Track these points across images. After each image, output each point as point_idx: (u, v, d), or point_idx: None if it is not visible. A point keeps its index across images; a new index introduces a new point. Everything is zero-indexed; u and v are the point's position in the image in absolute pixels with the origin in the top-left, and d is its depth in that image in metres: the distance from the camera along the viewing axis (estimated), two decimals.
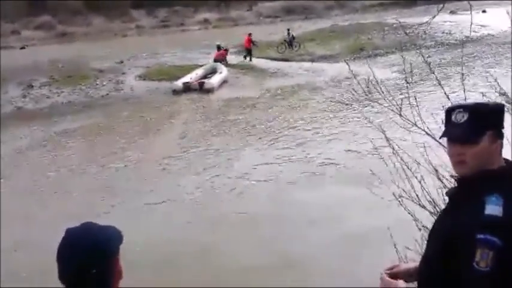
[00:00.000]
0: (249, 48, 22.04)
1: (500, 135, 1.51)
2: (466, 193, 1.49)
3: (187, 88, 16.98)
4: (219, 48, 21.77)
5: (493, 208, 1.38)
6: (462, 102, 1.67)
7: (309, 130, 11.28)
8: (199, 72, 18.92)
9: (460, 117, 1.50)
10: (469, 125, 1.48)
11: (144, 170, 9.36)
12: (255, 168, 9.03)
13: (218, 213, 7.26)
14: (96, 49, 26.92)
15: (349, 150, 9.37)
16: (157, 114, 14.23)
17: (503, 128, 1.52)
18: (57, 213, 7.30)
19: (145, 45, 28.61)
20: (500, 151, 1.50)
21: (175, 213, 7.42)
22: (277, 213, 7.11)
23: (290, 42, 23.45)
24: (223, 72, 18.67)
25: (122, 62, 22.60)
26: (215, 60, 20.74)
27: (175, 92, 17.00)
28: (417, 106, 3.11)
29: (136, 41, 33.16)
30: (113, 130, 12.91)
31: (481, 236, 1.35)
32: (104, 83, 18.83)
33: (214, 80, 17.46)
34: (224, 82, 18.06)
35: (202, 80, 17.42)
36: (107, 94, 17.68)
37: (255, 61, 21.75)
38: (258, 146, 10.47)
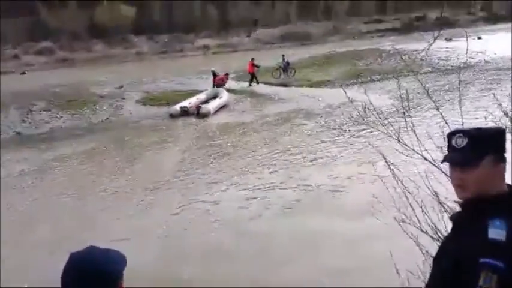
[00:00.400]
0: (252, 73, 22.33)
1: (501, 159, 1.51)
2: (470, 217, 1.50)
3: (184, 112, 17.17)
4: (214, 74, 21.85)
5: (497, 232, 1.39)
6: (462, 127, 1.70)
7: (297, 154, 11.24)
8: (200, 97, 19.14)
9: (460, 142, 1.53)
10: (469, 150, 1.50)
11: (120, 202, 9.10)
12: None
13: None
14: (96, 74, 27.13)
15: (350, 176, 9.31)
16: (150, 139, 14.23)
17: (504, 152, 1.52)
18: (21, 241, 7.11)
19: (146, 70, 28.88)
20: (503, 175, 1.51)
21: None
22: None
23: (285, 68, 23.67)
24: (223, 97, 18.83)
25: (121, 87, 22.75)
26: (216, 86, 20.90)
27: (172, 116, 17.16)
28: (414, 132, 3.14)
29: (136, 66, 33.47)
30: (103, 156, 12.84)
31: (485, 260, 1.35)
32: (104, 108, 18.94)
33: (211, 105, 17.61)
34: (224, 107, 18.20)
35: (199, 105, 17.57)
36: (107, 119, 17.75)
37: (254, 86, 21.96)
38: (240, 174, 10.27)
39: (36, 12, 44.90)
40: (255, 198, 8.62)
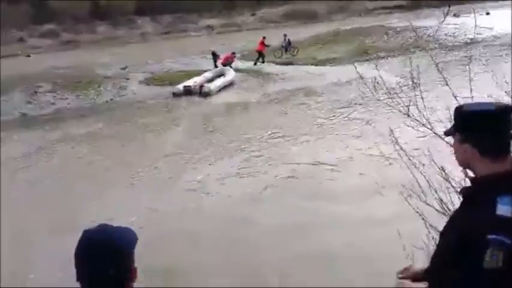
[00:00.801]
0: (261, 52, 22.12)
1: (465, 140, 1.50)
2: (479, 193, 1.49)
3: (187, 91, 17.19)
4: (214, 55, 21.66)
5: (505, 209, 1.38)
6: (465, 102, 1.70)
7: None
8: (207, 75, 19.09)
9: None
10: (453, 124, 1.59)
11: (111, 184, 9.12)
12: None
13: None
14: (100, 56, 27.10)
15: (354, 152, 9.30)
16: (151, 119, 14.25)
17: (472, 134, 1.49)
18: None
19: (149, 51, 28.79)
20: (474, 156, 1.48)
21: None
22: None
23: (286, 47, 23.42)
24: (227, 76, 18.76)
25: (125, 68, 22.71)
26: (223, 65, 20.75)
27: (176, 95, 17.19)
28: (424, 106, 3.10)
29: (140, 47, 33.35)
30: (105, 137, 12.88)
31: (492, 236, 1.34)
32: (108, 89, 18.95)
33: (214, 84, 17.58)
34: (230, 85, 18.11)
35: (202, 84, 17.54)
36: (111, 99, 17.77)
37: (260, 66, 21.83)
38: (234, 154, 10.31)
39: None
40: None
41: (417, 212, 3.13)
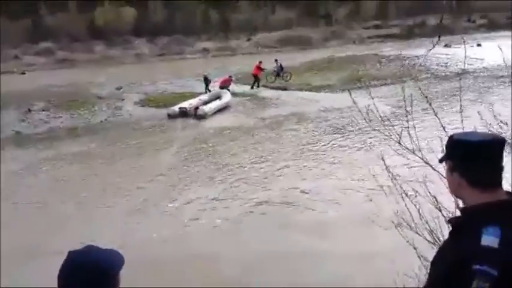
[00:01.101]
0: (256, 76, 22.33)
1: (455, 169, 1.52)
2: (466, 223, 1.51)
3: (183, 113, 17.22)
4: (206, 79, 21.61)
5: (490, 239, 1.39)
6: (458, 132, 1.70)
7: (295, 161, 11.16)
8: (203, 97, 19.20)
9: None
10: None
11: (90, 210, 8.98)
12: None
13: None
14: (96, 75, 27.17)
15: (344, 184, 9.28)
16: (144, 141, 14.18)
17: (461, 163, 1.51)
18: None
19: (145, 72, 28.92)
20: (461, 185, 1.50)
21: None
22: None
23: (278, 72, 23.54)
24: (223, 99, 18.86)
25: (120, 88, 22.78)
26: (220, 87, 20.83)
27: (170, 117, 17.20)
28: (416, 136, 3.15)
29: (136, 68, 33.51)
30: (95, 157, 12.77)
31: (477, 267, 1.35)
32: (103, 109, 18.95)
33: (209, 107, 17.64)
34: (225, 108, 18.22)
35: (197, 106, 17.61)
36: (105, 119, 17.76)
37: (255, 90, 21.98)
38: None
39: (36, 14, 44.94)
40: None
41: (407, 242, 3.15)
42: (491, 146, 1.50)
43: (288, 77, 23.34)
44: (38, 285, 5.17)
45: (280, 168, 10.51)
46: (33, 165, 12.15)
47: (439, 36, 25.33)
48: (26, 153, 13.43)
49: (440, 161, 1.62)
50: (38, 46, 41.29)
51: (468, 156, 1.49)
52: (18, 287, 5.84)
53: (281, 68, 23.73)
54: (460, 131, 2.93)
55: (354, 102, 3.39)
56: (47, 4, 45.03)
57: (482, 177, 1.49)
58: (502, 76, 19.47)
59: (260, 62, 22.87)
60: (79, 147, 13.87)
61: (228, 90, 20.47)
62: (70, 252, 1.46)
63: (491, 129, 3.32)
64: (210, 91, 20.89)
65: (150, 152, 12.87)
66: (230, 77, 22.07)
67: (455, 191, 1.57)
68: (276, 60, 24.04)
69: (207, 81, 21.59)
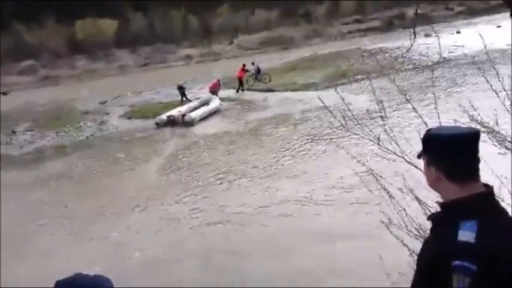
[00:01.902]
0: (241, 79, 22.33)
1: (432, 163, 1.53)
2: (444, 218, 1.52)
3: (171, 121, 17.19)
4: (180, 88, 21.25)
5: (466, 234, 1.40)
6: (437, 127, 1.72)
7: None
8: (192, 104, 19.16)
9: None
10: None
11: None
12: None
13: None
14: (80, 91, 27.02)
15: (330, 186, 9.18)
16: (130, 153, 14.04)
17: (437, 157, 1.52)
18: None
19: (129, 83, 28.82)
20: (439, 179, 1.52)
21: None
22: None
23: (256, 75, 23.35)
24: (211, 104, 18.85)
25: (105, 102, 22.67)
26: (211, 92, 20.67)
27: (159, 125, 17.16)
28: (393, 135, 3.16)
29: (120, 80, 33.39)
30: (75, 176, 12.56)
31: (456, 263, 1.36)
32: (88, 125, 18.83)
33: (196, 113, 17.62)
34: (215, 113, 18.24)
35: (184, 114, 17.60)
36: (91, 135, 17.64)
37: (240, 93, 22.00)
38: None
39: (15, 33, 44.57)
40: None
41: (398, 239, 3.16)
42: (466, 139, 1.51)
43: (267, 79, 23.28)
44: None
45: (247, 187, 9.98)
46: (15, 187, 11.85)
47: (415, 32, 25.63)
48: (12, 175, 13.22)
49: (419, 156, 1.63)
50: (19, 65, 40.99)
51: (444, 150, 1.50)
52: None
53: (258, 70, 23.57)
54: (439, 122, 2.97)
55: (329, 110, 3.39)
56: (24, 23, 44.63)
57: (459, 170, 1.50)
58: (483, 61, 19.68)
59: (244, 65, 22.91)
60: (59, 167, 13.59)
61: (216, 95, 20.41)
62: (58, 282, 1.43)
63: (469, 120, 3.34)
64: (189, 100, 20.66)
65: (133, 167, 12.61)
66: (218, 80, 21.93)
67: (433, 185, 1.57)
68: (252, 63, 23.91)
69: (182, 90, 21.23)
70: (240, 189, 9.79)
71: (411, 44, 24.19)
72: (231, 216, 8.33)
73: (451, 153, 1.50)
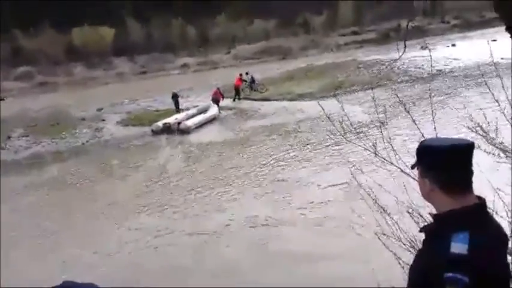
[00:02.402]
0: (237, 89, 22.32)
1: (426, 175, 1.53)
2: (437, 230, 1.52)
3: (167, 129, 17.20)
4: (174, 96, 21.00)
5: (459, 246, 1.40)
6: (432, 138, 1.72)
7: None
8: (190, 112, 19.21)
9: None
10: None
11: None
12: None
13: None
14: (77, 98, 27.01)
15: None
16: (124, 160, 13.94)
17: (431, 169, 1.52)
18: None
19: (126, 91, 28.83)
20: (433, 191, 1.51)
21: None
22: None
23: (250, 84, 23.41)
24: (208, 112, 18.87)
25: (101, 109, 22.65)
26: (213, 101, 20.50)
27: (154, 133, 17.15)
28: (391, 145, 3.18)
29: (117, 87, 33.39)
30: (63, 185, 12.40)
31: (448, 275, 1.36)
32: (84, 131, 18.79)
33: (192, 121, 17.63)
34: (213, 120, 18.29)
35: (180, 121, 17.62)
36: (87, 141, 17.59)
37: (237, 102, 22.04)
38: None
39: (13, 38, 44.58)
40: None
41: (391, 251, 3.16)
42: (460, 151, 1.51)
43: (263, 89, 23.30)
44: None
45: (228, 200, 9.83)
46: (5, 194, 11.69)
47: (405, 45, 25.87)
48: (4, 181, 13.11)
49: (412, 167, 1.63)
50: (16, 71, 40.95)
51: (438, 162, 1.50)
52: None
53: (252, 80, 23.62)
54: (436, 133, 2.98)
55: (343, 110, 3.41)
56: (22, 29, 44.67)
57: (452, 183, 1.50)
58: (478, 74, 19.85)
59: (241, 74, 23.02)
60: (53, 173, 13.50)
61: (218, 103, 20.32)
62: None
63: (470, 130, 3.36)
64: (179, 109, 20.50)
65: (124, 174, 12.54)
66: (218, 89, 21.79)
67: (427, 197, 1.57)
68: (246, 73, 23.99)
69: (176, 98, 21.02)
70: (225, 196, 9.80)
71: (399, 56, 24.42)
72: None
73: (445, 165, 1.50)
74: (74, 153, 16.09)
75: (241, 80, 22.80)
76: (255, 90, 23.19)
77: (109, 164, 14.00)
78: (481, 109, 3.30)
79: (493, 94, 3.31)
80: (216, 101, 20.42)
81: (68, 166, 14.31)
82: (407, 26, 30.36)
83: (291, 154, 12.48)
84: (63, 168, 14.02)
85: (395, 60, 24.36)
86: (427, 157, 1.54)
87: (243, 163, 12.20)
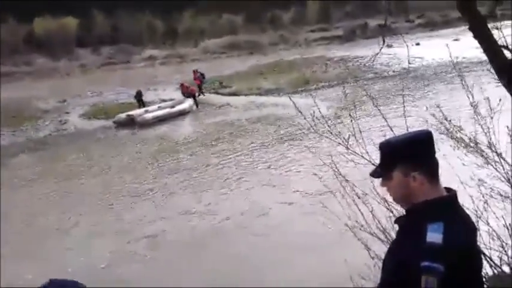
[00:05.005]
0: (199, 84, 22.06)
1: (413, 169, 1.52)
2: (411, 221, 1.54)
3: (130, 121, 16.90)
4: (138, 94, 20.28)
5: (434, 236, 1.43)
6: (386, 138, 1.70)
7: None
8: (163, 105, 19.01)
9: (380, 154, 1.60)
10: (380, 162, 1.59)
11: None
12: None
13: None
14: (38, 89, 26.11)
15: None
16: (80, 156, 13.61)
17: (418, 160, 1.52)
18: None
19: (90, 83, 28.11)
20: (422, 183, 1.51)
21: None
22: None
23: (201, 82, 22.24)
24: (177, 107, 18.60)
25: (65, 101, 22.02)
26: (184, 94, 20.10)
27: (117, 124, 16.90)
28: (362, 139, 3.23)
29: (81, 79, 32.49)
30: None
31: (424, 264, 1.39)
32: (46, 123, 18.21)
33: (151, 115, 17.37)
34: (184, 114, 18.05)
35: (139, 115, 17.37)
36: (49, 134, 17.06)
37: (208, 97, 21.76)
38: None
39: None
40: None
41: (362, 243, 3.22)
42: (432, 139, 1.56)
43: (215, 84, 22.70)
44: None
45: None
46: None
47: (384, 40, 26.27)
48: None
49: (378, 174, 1.59)
50: None
51: (426, 151, 1.53)
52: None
53: (203, 76, 22.50)
54: (406, 127, 3.04)
55: (300, 112, 3.41)
56: None
57: (436, 169, 1.55)
58: (441, 72, 20.47)
59: (195, 70, 22.17)
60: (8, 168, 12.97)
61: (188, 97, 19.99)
62: None
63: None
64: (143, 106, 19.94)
65: (79, 172, 12.17)
66: (182, 83, 21.25)
67: (407, 195, 1.55)
68: (194, 71, 22.63)
69: (140, 97, 20.15)
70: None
71: (376, 54, 24.79)
72: None
73: (430, 152, 1.54)
74: (34, 146, 15.53)
75: (197, 78, 21.81)
76: (201, 92, 21.70)
77: (68, 159, 13.50)
78: (438, 106, 3.38)
79: (466, 86, 3.38)
80: (189, 94, 20.02)
81: (26, 160, 13.82)
82: (385, 22, 30.80)
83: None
84: (16, 164, 13.43)
85: (372, 59, 24.70)
86: (410, 150, 1.53)
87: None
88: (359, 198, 3.24)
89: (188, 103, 19.27)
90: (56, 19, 44.98)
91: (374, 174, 1.61)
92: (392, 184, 1.57)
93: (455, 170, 3.35)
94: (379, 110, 3.42)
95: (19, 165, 13.39)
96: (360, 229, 3.20)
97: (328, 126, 3.43)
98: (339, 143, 3.28)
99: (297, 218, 7.93)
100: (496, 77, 3.42)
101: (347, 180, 3.30)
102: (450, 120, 3.33)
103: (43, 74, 35.82)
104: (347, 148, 3.20)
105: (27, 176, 12.19)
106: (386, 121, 3.34)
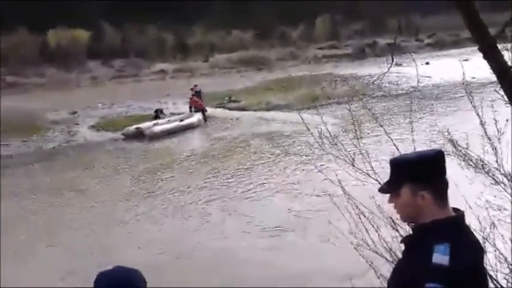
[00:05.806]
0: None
1: (421, 188, 1.52)
2: (417, 241, 1.53)
3: (140, 133, 17.03)
4: (157, 111, 20.64)
5: (440, 257, 1.42)
6: (398, 154, 1.71)
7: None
8: (173, 118, 19.17)
9: (390, 171, 1.60)
10: (390, 178, 1.59)
11: None
12: None
13: None
14: (49, 100, 26.33)
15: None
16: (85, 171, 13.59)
17: (425, 179, 1.51)
18: None
19: (100, 95, 28.32)
20: (430, 203, 1.51)
21: None
22: None
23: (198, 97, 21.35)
24: (186, 120, 18.71)
25: (75, 112, 22.21)
26: (191, 108, 20.21)
27: (126, 136, 17.00)
28: (368, 157, 3.22)
29: (91, 91, 32.80)
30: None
31: (430, 286, 1.38)
32: (56, 134, 18.36)
33: (160, 128, 17.49)
34: (190, 128, 18.12)
35: (149, 128, 17.48)
36: (59, 145, 17.18)
37: (215, 111, 21.81)
38: None
39: None
40: None
41: (367, 262, 3.18)
42: (443, 158, 1.55)
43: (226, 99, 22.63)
44: None
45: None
46: None
47: (393, 58, 26.34)
48: None
49: (387, 190, 1.60)
50: None
51: (436, 170, 1.53)
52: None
53: (198, 94, 21.19)
54: (414, 147, 3.03)
55: (308, 129, 3.42)
56: None
57: (445, 189, 1.54)
58: (449, 91, 20.44)
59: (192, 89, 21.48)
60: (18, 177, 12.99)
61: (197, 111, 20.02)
62: (99, 273, 1.50)
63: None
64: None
65: (83, 187, 12.18)
66: (191, 98, 21.25)
67: (414, 214, 1.55)
68: (191, 89, 21.73)
69: (158, 113, 20.43)
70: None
71: (384, 73, 24.82)
72: None
73: (440, 171, 1.54)
74: (44, 157, 15.59)
75: (195, 94, 20.90)
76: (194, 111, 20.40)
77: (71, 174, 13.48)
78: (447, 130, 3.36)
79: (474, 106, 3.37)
80: (196, 109, 20.10)
81: (36, 171, 13.86)
82: (395, 40, 30.91)
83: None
84: (30, 173, 13.51)
85: (381, 78, 24.75)
86: (420, 168, 1.52)
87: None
88: (365, 217, 3.23)
89: (197, 117, 19.39)
90: (67, 31, 45.61)
91: (382, 190, 1.61)
92: (400, 201, 1.57)
93: (461, 189, 3.32)
94: (384, 129, 3.42)
95: (26, 175, 13.44)
96: (367, 249, 3.17)
97: (335, 144, 3.42)
98: (345, 161, 3.28)
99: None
100: (505, 97, 3.41)
101: (352, 198, 3.27)
102: (457, 141, 3.32)
103: (54, 86, 36.19)
104: (352, 165, 3.20)
105: (29, 187, 12.19)
106: (392, 140, 3.33)
